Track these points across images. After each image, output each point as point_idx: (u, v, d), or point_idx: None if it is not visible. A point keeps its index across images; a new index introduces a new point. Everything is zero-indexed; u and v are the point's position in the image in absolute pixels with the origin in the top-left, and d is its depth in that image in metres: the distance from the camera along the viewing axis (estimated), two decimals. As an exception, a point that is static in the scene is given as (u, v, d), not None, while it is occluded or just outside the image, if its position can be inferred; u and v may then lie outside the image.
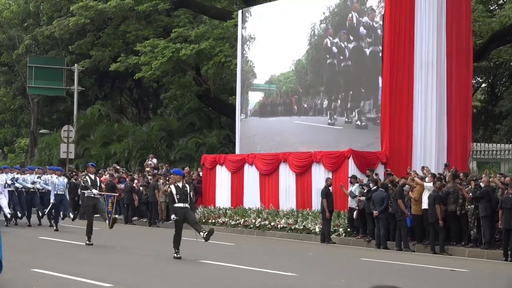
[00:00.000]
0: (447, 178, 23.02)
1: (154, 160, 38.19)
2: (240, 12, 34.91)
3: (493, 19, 35.56)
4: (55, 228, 27.32)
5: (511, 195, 20.29)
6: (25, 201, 29.59)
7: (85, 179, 22.52)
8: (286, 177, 28.74)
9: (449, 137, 28.09)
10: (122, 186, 34.13)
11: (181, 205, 18.79)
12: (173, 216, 18.97)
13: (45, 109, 55.48)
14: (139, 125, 46.42)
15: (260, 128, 32.72)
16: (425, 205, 22.72)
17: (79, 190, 31.02)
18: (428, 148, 27.53)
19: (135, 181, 33.91)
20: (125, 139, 43.60)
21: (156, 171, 35.46)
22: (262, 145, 32.11)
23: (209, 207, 31.19)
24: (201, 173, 33.00)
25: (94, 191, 21.94)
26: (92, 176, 22.49)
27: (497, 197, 21.15)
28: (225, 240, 22.53)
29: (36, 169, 31.64)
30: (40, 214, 29.64)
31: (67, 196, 28.50)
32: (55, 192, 27.82)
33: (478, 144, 32.88)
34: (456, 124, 28.33)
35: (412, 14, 27.42)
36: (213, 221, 30.26)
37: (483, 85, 49.75)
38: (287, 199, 28.60)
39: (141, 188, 33.40)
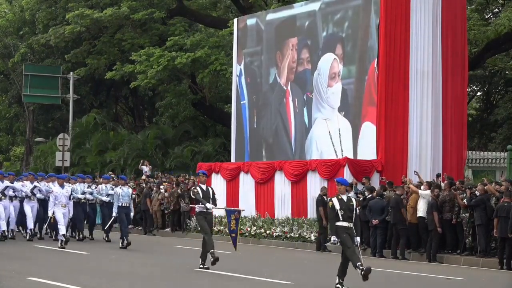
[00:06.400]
0: (443, 186, 23.06)
1: (144, 167, 38.12)
2: (235, 20, 34.94)
3: (489, 28, 35.62)
4: (120, 245, 23.96)
5: (506, 204, 20.33)
6: (75, 214, 26.13)
7: (195, 190, 18.92)
8: (282, 185, 28.74)
9: (445, 145, 28.12)
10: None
11: (345, 224, 15.20)
12: (333, 239, 15.49)
13: (40, 117, 55.45)
14: (135, 133, 46.42)
15: (256, 136, 32.66)
16: (420, 213, 22.74)
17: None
18: (424, 156, 27.56)
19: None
20: (121, 147, 43.56)
21: (151, 179, 35.43)
22: (257, 155, 32.13)
23: (205, 215, 31.10)
24: (196, 182, 32.93)
25: (208, 205, 18.48)
26: (204, 187, 18.80)
27: (492, 205, 21.18)
28: (220, 248, 22.45)
29: (86, 178, 28.71)
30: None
31: (132, 209, 25.32)
32: (119, 204, 24.29)
33: (474, 152, 32.86)
34: (452, 132, 28.36)
35: (408, 23, 27.45)
36: (209, 229, 30.24)
37: (479, 93, 49.83)
38: (283, 207, 28.59)
39: (133, 196, 33.29)
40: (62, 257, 21.29)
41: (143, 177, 36.52)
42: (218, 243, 24.98)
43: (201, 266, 18.31)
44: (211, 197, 18.69)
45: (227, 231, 19.32)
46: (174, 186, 32.24)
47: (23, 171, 48.29)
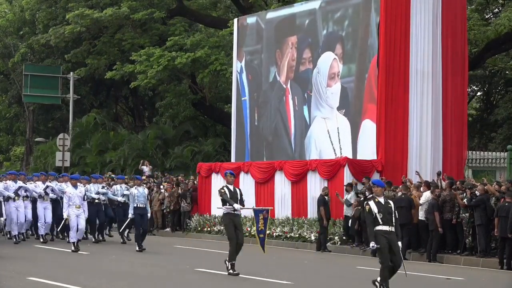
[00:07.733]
0: (443, 186, 23.06)
1: (144, 167, 38.13)
2: (235, 20, 34.95)
3: (489, 28, 35.63)
4: (138, 248, 23.10)
5: (507, 204, 20.32)
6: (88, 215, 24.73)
7: (222, 190, 18.05)
8: (282, 185, 28.73)
9: (445, 145, 28.13)
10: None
11: (386, 228, 14.33)
12: (372, 244, 14.44)
13: (40, 117, 55.45)
14: (135, 133, 46.41)
15: (257, 134, 32.66)
16: (420, 216, 22.72)
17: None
18: (424, 156, 27.57)
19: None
20: (121, 147, 43.56)
21: (151, 179, 35.43)
22: (257, 153, 32.13)
23: (205, 215, 31.15)
24: (196, 181, 32.97)
25: (236, 205, 17.74)
26: (231, 187, 18.08)
27: (492, 205, 21.18)
28: (220, 248, 22.49)
29: (99, 178, 28.09)
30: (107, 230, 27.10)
31: (149, 210, 24.56)
32: (135, 205, 23.34)
33: (474, 152, 32.86)
34: (452, 132, 28.37)
35: (408, 23, 27.45)
36: (209, 229, 30.25)
37: (479, 93, 49.82)
38: (283, 207, 28.57)
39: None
40: (62, 257, 21.29)
41: (143, 177, 36.49)
42: (218, 243, 24.98)
43: (230, 271, 17.52)
44: (239, 197, 17.96)
45: (256, 232, 18.42)
46: (174, 186, 32.25)
47: (23, 171, 48.28)
